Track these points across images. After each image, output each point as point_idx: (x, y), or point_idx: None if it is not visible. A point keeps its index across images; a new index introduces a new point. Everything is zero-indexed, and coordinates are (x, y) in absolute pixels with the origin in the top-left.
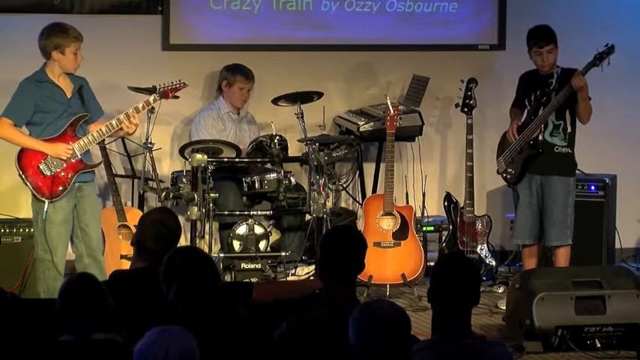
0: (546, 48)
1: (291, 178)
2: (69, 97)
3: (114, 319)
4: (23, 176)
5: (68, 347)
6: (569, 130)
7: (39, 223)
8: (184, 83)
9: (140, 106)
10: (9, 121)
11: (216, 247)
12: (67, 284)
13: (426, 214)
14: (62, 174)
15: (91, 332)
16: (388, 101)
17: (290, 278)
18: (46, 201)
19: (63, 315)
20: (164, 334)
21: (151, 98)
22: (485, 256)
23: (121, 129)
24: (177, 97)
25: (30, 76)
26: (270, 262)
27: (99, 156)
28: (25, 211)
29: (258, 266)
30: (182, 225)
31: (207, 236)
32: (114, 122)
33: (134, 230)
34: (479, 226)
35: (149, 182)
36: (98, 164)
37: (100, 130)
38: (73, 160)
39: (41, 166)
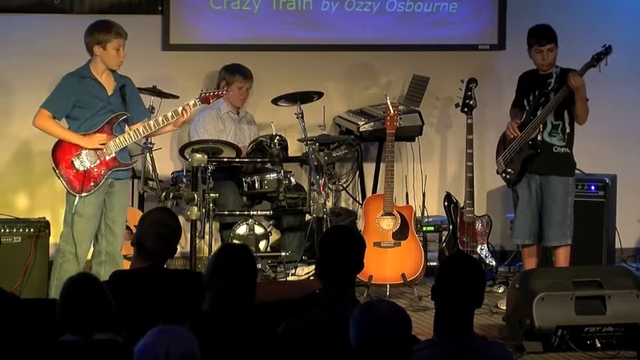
0: (547, 46)
1: (291, 178)
2: (110, 94)
3: (115, 319)
4: (56, 169)
5: (69, 347)
6: (567, 130)
7: (67, 215)
8: (227, 90)
9: (179, 109)
10: (48, 113)
11: (216, 247)
12: (69, 284)
13: (426, 214)
14: (95, 170)
15: (92, 332)
16: (388, 101)
17: (290, 278)
18: (77, 195)
19: (64, 315)
20: (165, 334)
21: (192, 102)
22: (485, 256)
23: (164, 127)
24: (177, 97)
25: (73, 71)
26: (270, 262)
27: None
28: (25, 211)
29: (259, 266)
30: (182, 225)
31: (207, 236)
32: (152, 123)
33: (134, 230)
34: (479, 226)
35: (149, 182)
36: (132, 163)
37: (137, 129)
38: (108, 158)
39: (75, 161)
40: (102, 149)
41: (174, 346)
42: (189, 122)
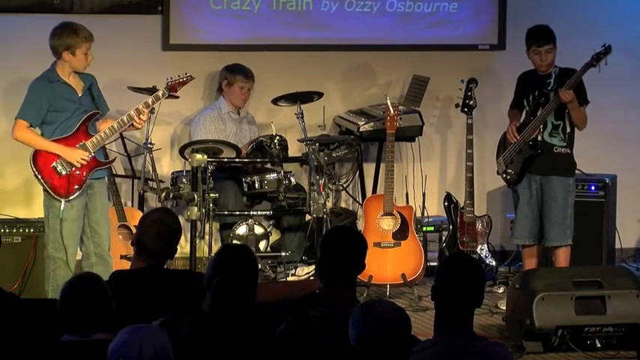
0: (545, 47)
1: (291, 178)
2: (80, 95)
3: (115, 319)
4: (40, 177)
5: (68, 347)
6: (568, 130)
7: (51, 221)
8: (191, 76)
9: (150, 100)
10: (25, 123)
11: (216, 247)
12: (70, 284)
13: (426, 214)
14: (77, 172)
15: (91, 332)
16: (388, 101)
17: (290, 278)
18: (63, 200)
19: (64, 315)
20: (137, 333)
21: (160, 92)
22: (486, 256)
23: (132, 125)
24: (177, 97)
25: (41, 76)
26: (270, 262)
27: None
28: (25, 211)
29: (259, 266)
30: (182, 225)
31: (207, 236)
32: (125, 118)
33: (134, 230)
34: (479, 226)
35: (149, 182)
36: (111, 161)
37: (112, 126)
38: (88, 158)
39: (57, 166)
40: (85, 164)
41: (147, 344)
42: (190, 122)
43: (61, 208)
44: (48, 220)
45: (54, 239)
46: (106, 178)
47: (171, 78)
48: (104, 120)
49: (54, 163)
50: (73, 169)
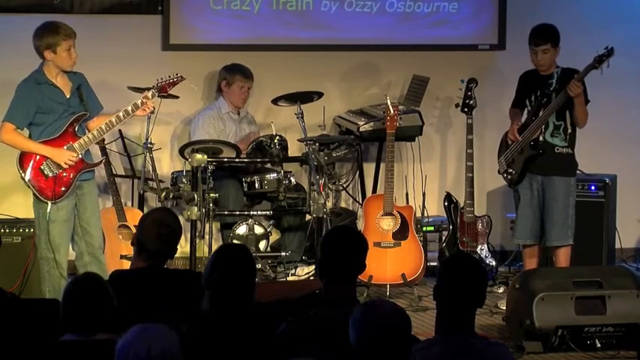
0: (541, 47)
1: (291, 178)
2: (68, 96)
3: (115, 319)
4: (25, 178)
5: (69, 347)
6: (569, 130)
7: (41, 223)
8: (182, 77)
9: (139, 102)
10: (12, 126)
11: (216, 247)
12: (73, 284)
13: (426, 214)
14: (64, 174)
15: (93, 332)
16: (388, 101)
17: (290, 278)
18: (49, 202)
19: (67, 314)
20: (145, 332)
21: (150, 93)
22: (486, 256)
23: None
24: (177, 97)
25: (28, 78)
26: (270, 262)
27: (98, 155)
28: (25, 211)
29: (259, 266)
30: (182, 225)
31: (207, 236)
32: (113, 119)
33: (134, 230)
34: (479, 226)
35: (149, 182)
36: (99, 163)
37: (100, 128)
38: (75, 160)
39: (43, 168)
40: (72, 165)
41: (155, 343)
42: (190, 122)
43: (48, 210)
44: (38, 222)
45: (45, 241)
46: (94, 179)
47: (162, 79)
48: (98, 118)
49: (41, 166)
50: (60, 171)
